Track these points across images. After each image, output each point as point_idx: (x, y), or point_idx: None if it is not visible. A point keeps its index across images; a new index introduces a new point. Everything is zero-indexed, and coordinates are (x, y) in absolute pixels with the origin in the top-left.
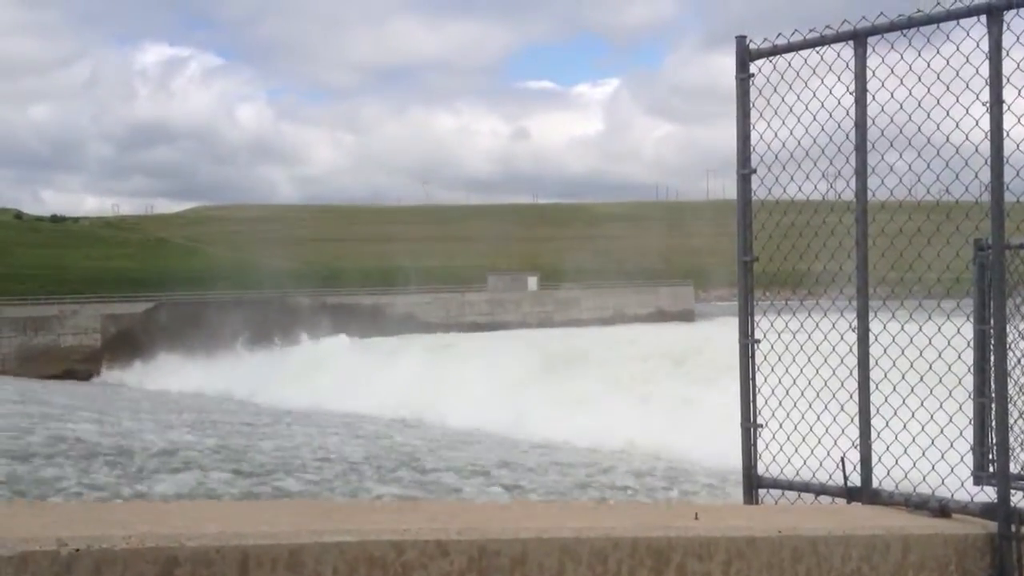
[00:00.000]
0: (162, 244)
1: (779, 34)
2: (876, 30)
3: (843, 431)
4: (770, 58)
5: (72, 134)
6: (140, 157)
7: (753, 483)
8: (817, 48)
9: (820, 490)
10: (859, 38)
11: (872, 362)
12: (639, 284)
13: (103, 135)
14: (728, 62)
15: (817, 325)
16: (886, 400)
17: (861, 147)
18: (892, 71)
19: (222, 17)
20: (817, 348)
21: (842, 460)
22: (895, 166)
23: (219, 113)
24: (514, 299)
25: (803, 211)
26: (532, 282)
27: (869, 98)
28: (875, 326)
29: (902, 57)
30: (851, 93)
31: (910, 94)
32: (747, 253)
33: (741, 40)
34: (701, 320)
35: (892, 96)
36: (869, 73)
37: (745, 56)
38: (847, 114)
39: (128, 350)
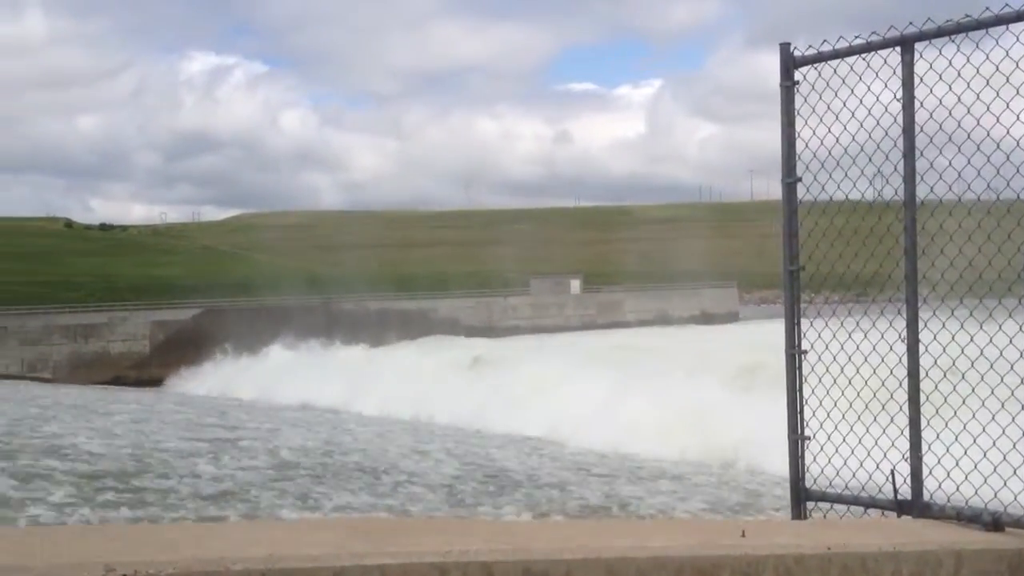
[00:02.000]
0: (208, 251)
1: (824, 40)
2: (924, 36)
3: (893, 443)
4: (815, 65)
5: (120, 144)
6: (186, 165)
7: (801, 496)
8: (863, 55)
9: (870, 503)
10: (906, 44)
11: (922, 373)
12: (682, 286)
13: (150, 144)
14: (771, 61)
15: (865, 335)
16: (937, 412)
17: (909, 154)
18: (940, 77)
19: (266, 24)
20: (866, 359)
21: (892, 473)
22: (943, 171)
23: (263, 120)
24: (557, 302)
25: (850, 218)
26: (575, 285)
27: (917, 104)
28: (925, 336)
29: (950, 63)
30: (898, 100)
31: (959, 100)
32: (793, 263)
33: (785, 47)
34: (747, 321)
35: (940, 102)
36: (917, 79)
37: (789, 63)
38: (895, 121)
39: (176, 356)
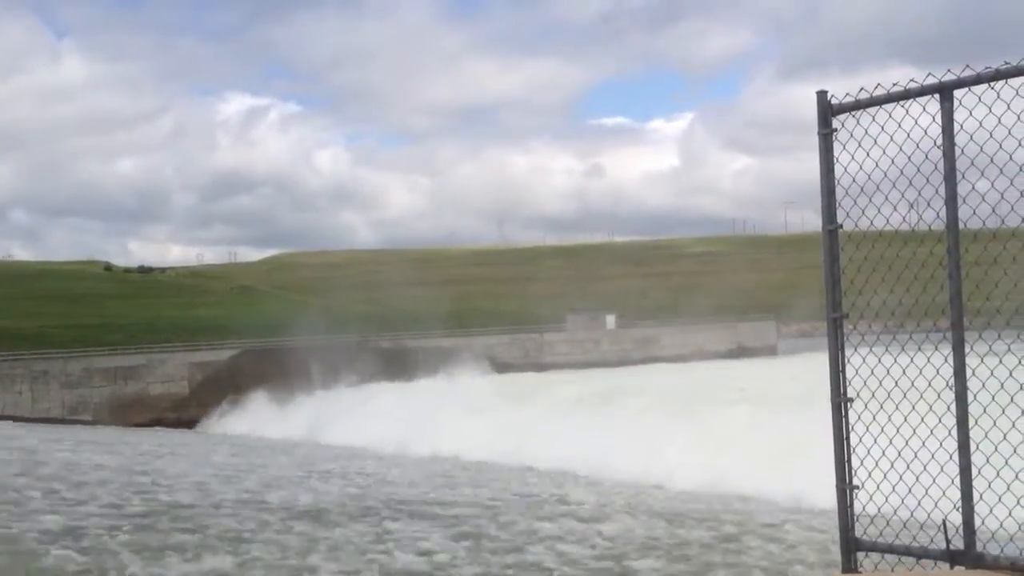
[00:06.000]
0: (245, 291)
1: (861, 88)
2: (962, 83)
3: (944, 493)
4: (853, 112)
5: (157, 186)
6: (223, 206)
7: (851, 547)
8: (902, 102)
9: (921, 553)
10: (945, 91)
11: (972, 422)
12: (718, 320)
13: (187, 186)
14: (804, 92)
15: (912, 383)
16: (988, 460)
17: (951, 201)
18: (981, 124)
19: (300, 65)
20: (913, 407)
21: (943, 522)
22: (986, 195)
23: (298, 160)
24: (592, 338)
25: (892, 267)
26: (611, 320)
27: (957, 151)
28: (974, 384)
29: (990, 110)
30: (939, 147)
31: (1000, 148)
32: (836, 310)
33: (822, 95)
34: (786, 356)
35: (982, 150)
36: (956, 126)
37: (827, 111)
38: (936, 168)
39: (214, 397)
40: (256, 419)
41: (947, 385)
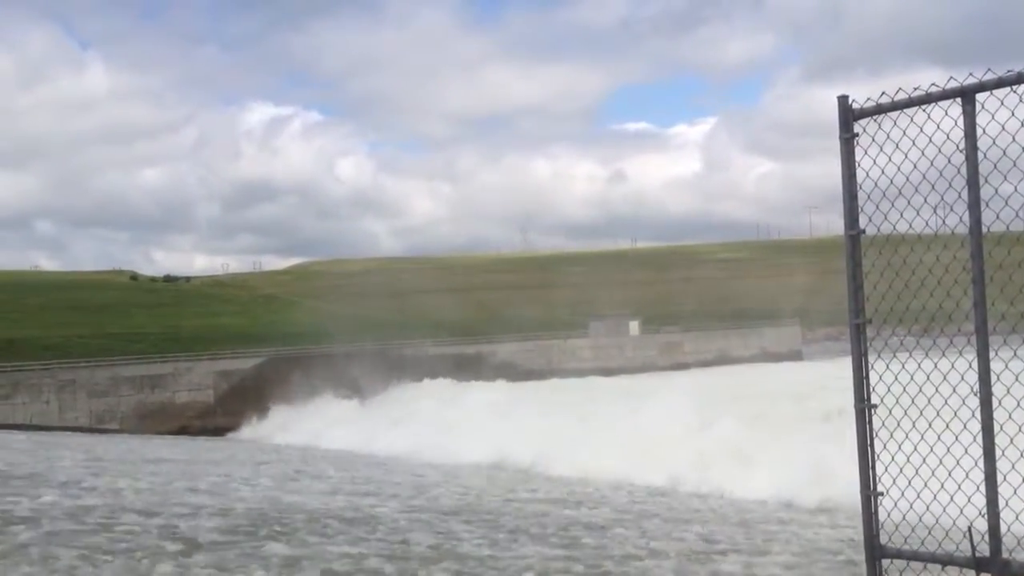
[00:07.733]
0: (270, 300)
1: (883, 93)
2: (984, 87)
3: (969, 499)
4: (874, 117)
5: (182, 195)
6: (247, 215)
7: (876, 554)
8: (923, 106)
9: (947, 560)
10: (967, 95)
11: (997, 428)
12: (742, 325)
13: (211, 195)
14: (828, 95)
15: (937, 389)
16: (1013, 467)
17: (974, 205)
18: (1003, 128)
19: (322, 74)
20: (938, 413)
21: (969, 529)
22: (1009, 199)
23: (321, 169)
24: (617, 344)
25: (916, 271)
26: (634, 326)
27: (980, 155)
28: (999, 389)
29: (1013, 114)
30: (961, 151)
31: (1023, 151)
32: (859, 316)
33: (843, 100)
34: (811, 361)
35: (1004, 153)
36: (979, 130)
37: (848, 116)
38: (959, 172)
39: (240, 405)
40: (315, 428)
41: (972, 390)
